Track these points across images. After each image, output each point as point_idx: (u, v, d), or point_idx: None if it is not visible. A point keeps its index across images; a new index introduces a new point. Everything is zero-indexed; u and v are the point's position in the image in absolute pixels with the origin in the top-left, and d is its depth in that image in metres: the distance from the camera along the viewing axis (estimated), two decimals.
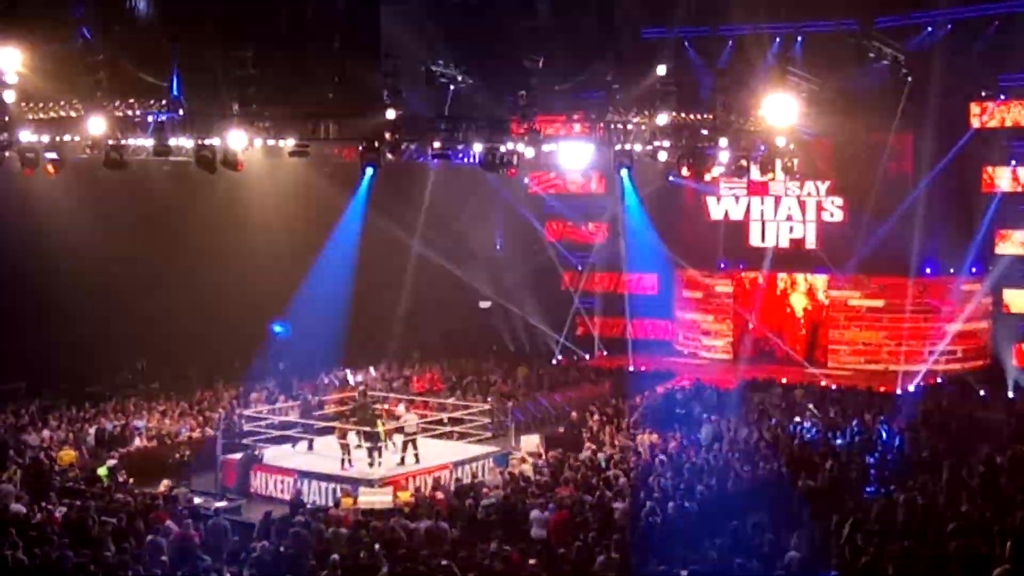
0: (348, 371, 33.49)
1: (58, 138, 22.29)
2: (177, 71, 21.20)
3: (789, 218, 36.92)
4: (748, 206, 37.59)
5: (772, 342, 36.93)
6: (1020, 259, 33.50)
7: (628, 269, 39.54)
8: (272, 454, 25.21)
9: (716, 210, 38.03)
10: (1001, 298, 34.13)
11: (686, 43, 34.55)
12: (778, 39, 33.84)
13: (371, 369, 34.37)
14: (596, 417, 27.94)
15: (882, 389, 30.47)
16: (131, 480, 22.83)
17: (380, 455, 23.88)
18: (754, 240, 37.49)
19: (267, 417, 27.26)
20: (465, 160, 25.43)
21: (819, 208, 36.42)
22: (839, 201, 35.93)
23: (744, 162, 26.84)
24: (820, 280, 36.19)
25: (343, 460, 23.93)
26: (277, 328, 32.96)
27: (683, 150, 25.39)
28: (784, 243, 37.00)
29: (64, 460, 24.31)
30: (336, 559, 15.47)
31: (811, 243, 36.54)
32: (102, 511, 18.96)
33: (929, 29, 32.84)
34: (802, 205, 36.72)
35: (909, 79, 32.54)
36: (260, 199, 32.05)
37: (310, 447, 25.83)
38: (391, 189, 33.54)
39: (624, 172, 26.59)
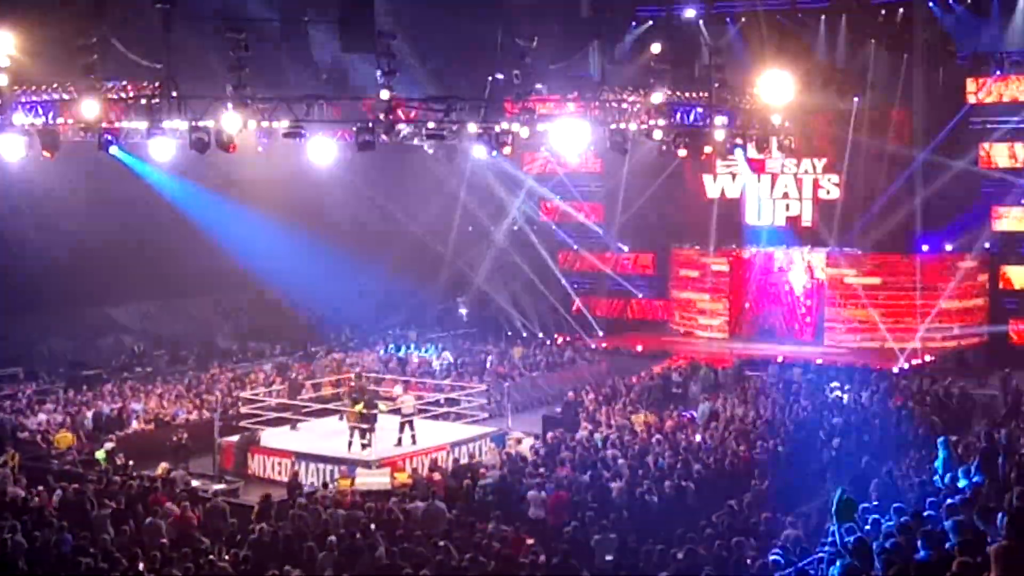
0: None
1: (52, 121, 22.16)
2: None
3: (786, 196, 36.85)
4: (744, 184, 37.50)
5: (772, 320, 36.91)
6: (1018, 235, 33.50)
7: (623, 248, 39.49)
8: (268, 436, 25.23)
9: (712, 188, 37.94)
10: (998, 275, 34.13)
11: (680, 21, 34.41)
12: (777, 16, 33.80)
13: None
14: (592, 397, 27.98)
15: (878, 366, 30.46)
16: (129, 463, 22.86)
17: (372, 435, 23.83)
18: (750, 218, 37.43)
19: (264, 399, 27.25)
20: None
21: (816, 186, 36.34)
22: (835, 179, 35.86)
23: (740, 140, 26.77)
24: (818, 258, 36.12)
25: (350, 443, 23.91)
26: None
27: (678, 129, 25.30)
28: (781, 221, 36.94)
29: (62, 443, 24.37)
30: (334, 540, 15.50)
31: (807, 221, 36.48)
32: (100, 494, 18.99)
33: (932, 4, 32.73)
34: (799, 183, 36.65)
35: (906, 55, 32.46)
36: (256, 180, 31.92)
37: (293, 427, 25.84)
38: (386, 168, 33.47)
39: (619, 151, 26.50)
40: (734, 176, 37.43)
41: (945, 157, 32.84)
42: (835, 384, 28.13)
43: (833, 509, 12.77)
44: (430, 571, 13.88)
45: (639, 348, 35.46)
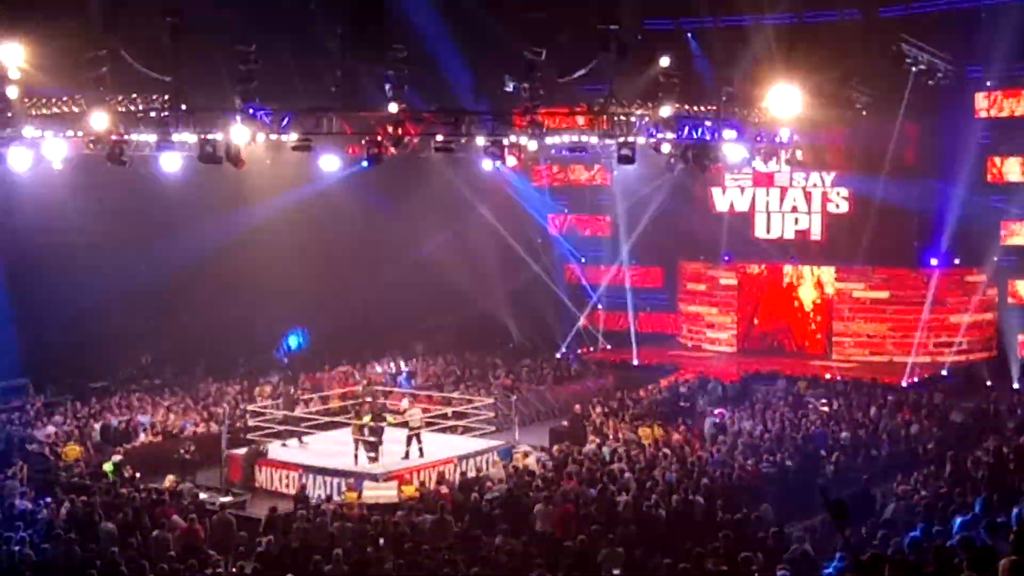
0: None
1: (61, 133, 22.27)
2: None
3: (795, 209, 36.81)
4: (753, 197, 37.48)
5: (781, 336, 36.79)
6: None
7: (631, 262, 39.49)
8: (276, 449, 25.21)
9: (721, 201, 37.93)
10: (1007, 289, 34.04)
11: (689, 34, 34.44)
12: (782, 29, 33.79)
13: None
14: (600, 410, 27.94)
15: (887, 381, 30.37)
16: (137, 475, 22.87)
17: (379, 448, 23.79)
18: (759, 232, 37.40)
19: (272, 412, 27.24)
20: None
21: (824, 199, 36.31)
22: (844, 192, 35.81)
23: (748, 154, 26.81)
24: (828, 273, 36.04)
25: (355, 455, 23.88)
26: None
27: (686, 142, 25.33)
28: (790, 234, 36.89)
29: (70, 455, 24.37)
30: (341, 553, 15.49)
31: (816, 234, 36.44)
32: (108, 506, 19.00)
33: (940, 18, 32.69)
34: (807, 196, 36.62)
35: (914, 68, 32.43)
36: (264, 192, 31.98)
37: (300, 441, 25.81)
38: (394, 181, 33.54)
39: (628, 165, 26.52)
40: (743, 189, 37.45)
41: (954, 171, 32.79)
42: (843, 399, 28.09)
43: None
44: None
45: (647, 362, 35.38)
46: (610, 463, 21.92)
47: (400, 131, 22.85)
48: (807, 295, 36.57)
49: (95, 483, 22.04)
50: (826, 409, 26.82)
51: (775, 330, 37.05)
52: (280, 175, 30.53)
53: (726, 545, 15.10)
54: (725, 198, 37.83)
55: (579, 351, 37.08)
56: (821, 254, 36.15)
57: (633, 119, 24.88)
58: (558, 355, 36.64)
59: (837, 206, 36.06)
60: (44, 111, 21.86)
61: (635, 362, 35.54)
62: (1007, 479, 18.42)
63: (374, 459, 23.60)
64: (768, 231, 37.26)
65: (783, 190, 36.89)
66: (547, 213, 40.73)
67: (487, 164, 26.44)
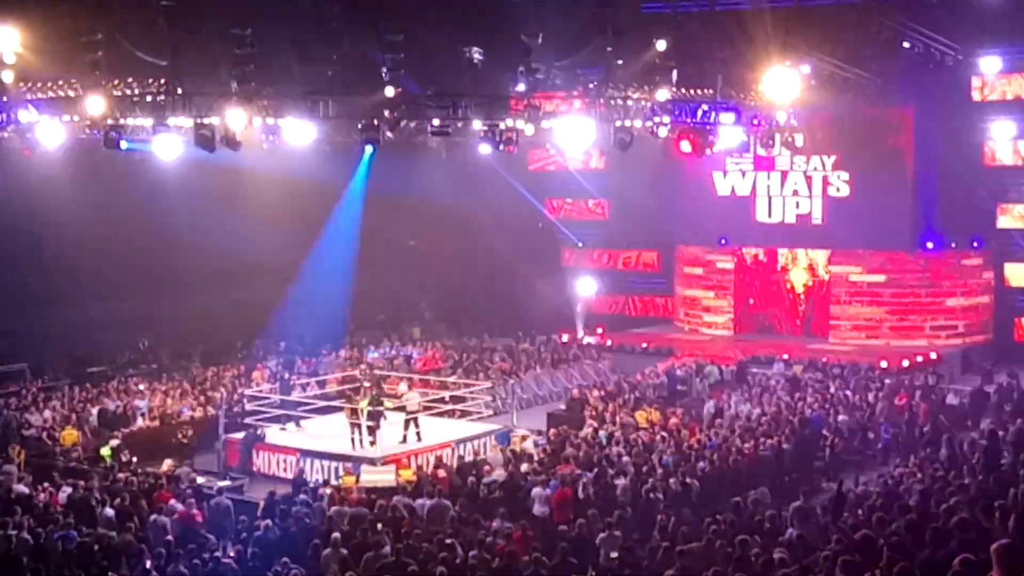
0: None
1: (57, 118, 22.20)
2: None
3: (795, 193, 36.72)
4: (754, 181, 37.35)
5: (772, 318, 36.83)
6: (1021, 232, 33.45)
7: (629, 245, 39.43)
8: (273, 433, 25.23)
9: (723, 185, 37.82)
10: (1002, 272, 34.06)
11: (684, 17, 34.30)
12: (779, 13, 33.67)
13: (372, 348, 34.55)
14: (597, 394, 27.98)
15: (883, 364, 30.41)
16: (134, 460, 22.89)
17: (376, 432, 23.80)
18: (760, 216, 37.30)
19: (268, 396, 27.26)
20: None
21: (825, 183, 36.22)
22: (845, 176, 35.67)
23: (745, 137, 26.77)
24: (821, 255, 36.03)
25: (352, 439, 23.90)
26: None
27: (684, 126, 25.27)
28: (791, 218, 36.78)
29: (67, 440, 24.39)
30: (338, 537, 15.51)
31: (817, 218, 36.35)
32: (106, 491, 19.03)
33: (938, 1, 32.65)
34: (808, 180, 36.51)
35: (913, 51, 32.36)
36: (260, 177, 31.92)
37: (297, 425, 25.81)
38: (391, 165, 33.48)
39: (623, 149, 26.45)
40: (744, 173, 37.35)
41: (950, 154, 32.78)
42: (839, 382, 28.16)
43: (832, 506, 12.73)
44: (434, 568, 13.87)
45: (644, 345, 35.41)
46: (608, 447, 21.95)
47: (396, 115, 22.79)
48: (798, 278, 36.56)
49: (93, 468, 22.09)
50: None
51: (766, 311, 37.09)
52: (274, 156, 30.47)
53: (723, 528, 15.14)
54: (726, 182, 37.73)
55: (576, 335, 37.04)
56: (822, 238, 36.05)
57: (630, 103, 24.83)
58: (555, 339, 36.61)
59: (838, 189, 35.97)
60: (39, 95, 21.77)
61: (632, 346, 35.54)
62: (1002, 462, 18.46)
63: (372, 443, 23.62)
64: (769, 215, 37.18)
65: (784, 174, 36.77)
66: (544, 197, 40.66)
67: (483, 148, 26.33)
